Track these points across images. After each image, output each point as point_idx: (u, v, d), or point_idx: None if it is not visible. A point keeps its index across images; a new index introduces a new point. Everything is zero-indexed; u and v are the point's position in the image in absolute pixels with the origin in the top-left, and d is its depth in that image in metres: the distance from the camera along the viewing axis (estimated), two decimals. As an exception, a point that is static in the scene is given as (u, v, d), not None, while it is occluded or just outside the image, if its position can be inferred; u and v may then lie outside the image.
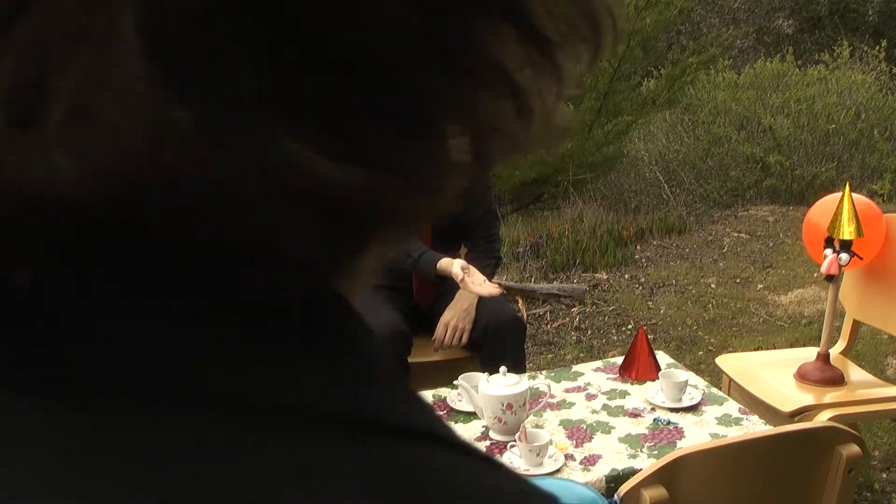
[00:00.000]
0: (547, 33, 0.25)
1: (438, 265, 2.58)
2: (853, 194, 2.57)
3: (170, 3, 0.21)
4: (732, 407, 2.27)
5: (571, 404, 2.33)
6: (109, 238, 0.23)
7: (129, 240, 0.24)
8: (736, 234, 6.03)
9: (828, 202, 2.75)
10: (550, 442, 2.02)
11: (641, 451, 2.05)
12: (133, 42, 0.20)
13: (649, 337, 2.60)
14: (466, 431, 2.21)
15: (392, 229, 0.28)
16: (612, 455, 2.04)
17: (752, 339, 4.23)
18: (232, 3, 0.21)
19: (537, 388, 2.30)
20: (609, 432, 2.15)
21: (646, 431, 2.15)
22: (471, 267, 2.53)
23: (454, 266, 2.52)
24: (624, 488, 1.42)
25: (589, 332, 4.36)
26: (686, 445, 2.06)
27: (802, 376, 2.68)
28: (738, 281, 5.07)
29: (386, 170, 0.24)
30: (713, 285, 4.98)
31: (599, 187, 7.90)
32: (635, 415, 2.24)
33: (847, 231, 2.52)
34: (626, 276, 5.11)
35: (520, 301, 4.56)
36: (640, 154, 8.51)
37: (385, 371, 0.27)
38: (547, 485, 1.48)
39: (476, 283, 2.48)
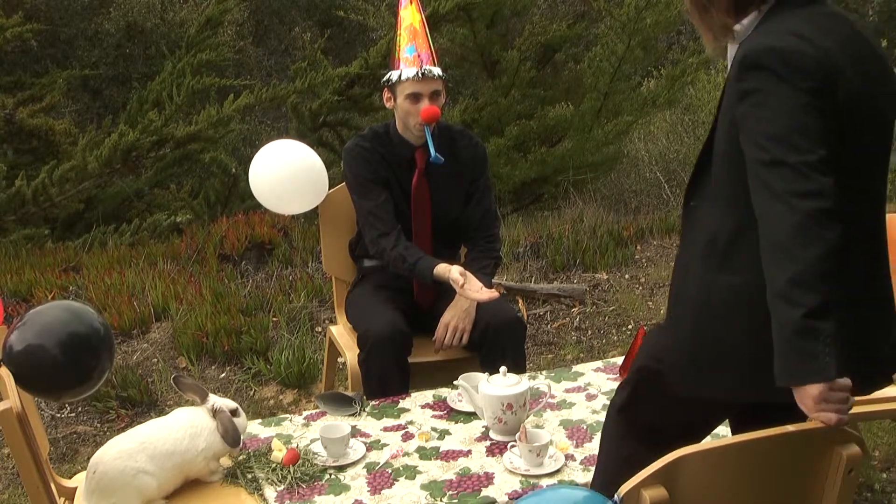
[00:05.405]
0: None
1: (435, 271, 2.57)
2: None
3: None
4: (732, 407, 2.27)
5: (572, 404, 2.33)
6: None
7: None
8: (736, 234, 6.02)
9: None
10: (551, 442, 2.02)
11: (641, 451, 2.05)
12: None
13: (649, 337, 2.60)
14: (466, 431, 2.21)
15: None
16: (612, 455, 2.04)
17: (753, 339, 4.21)
18: None
19: (537, 389, 2.30)
20: (609, 432, 2.15)
21: (646, 431, 2.15)
22: (468, 273, 2.51)
23: (452, 272, 2.50)
24: (624, 488, 1.42)
25: (589, 333, 4.36)
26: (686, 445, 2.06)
27: (802, 376, 2.67)
28: (738, 281, 5.06)
29: None
30: (713, 285, 4.97)
31: (599, 187, 7.90)
32: (635, 415, 2.24)
33: (847, 231, 2.52)
34: (627, 276, 5.11)
35: (520, 301, 4.56)
36: (640, 154, 8.51)
37: None
38: (557, 496, 1.48)
39: (474, 290, 2.46)
